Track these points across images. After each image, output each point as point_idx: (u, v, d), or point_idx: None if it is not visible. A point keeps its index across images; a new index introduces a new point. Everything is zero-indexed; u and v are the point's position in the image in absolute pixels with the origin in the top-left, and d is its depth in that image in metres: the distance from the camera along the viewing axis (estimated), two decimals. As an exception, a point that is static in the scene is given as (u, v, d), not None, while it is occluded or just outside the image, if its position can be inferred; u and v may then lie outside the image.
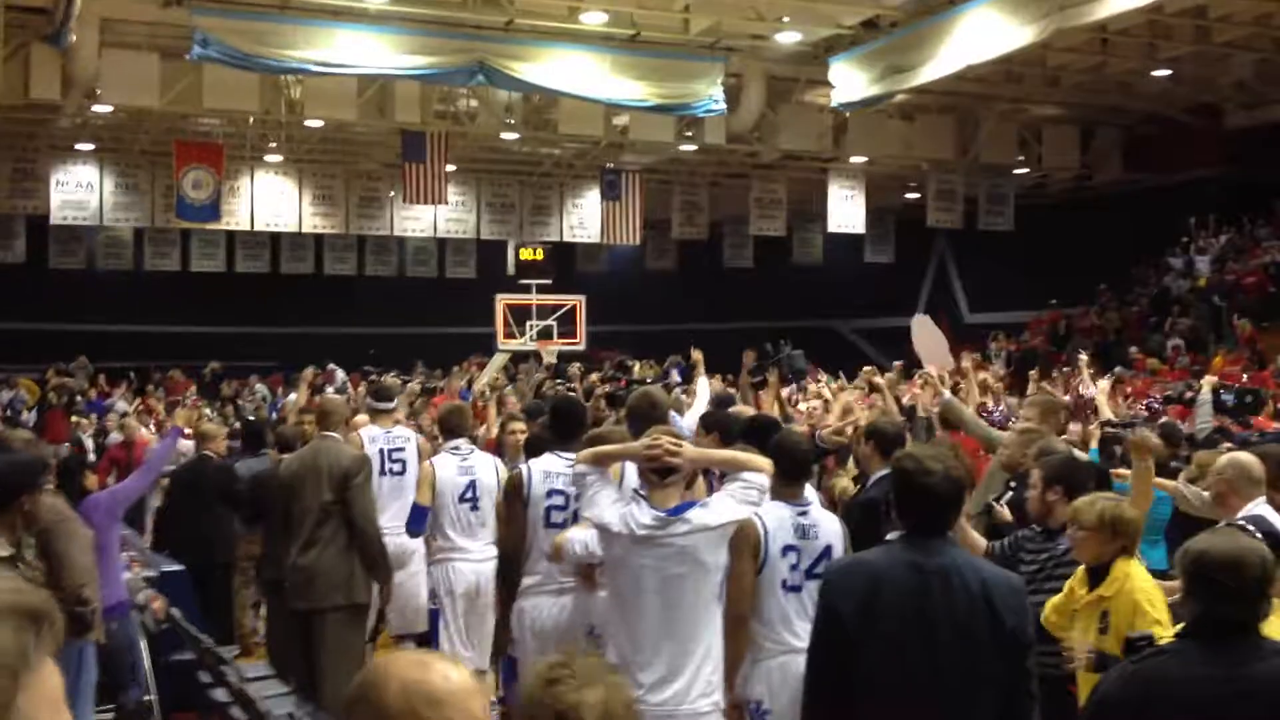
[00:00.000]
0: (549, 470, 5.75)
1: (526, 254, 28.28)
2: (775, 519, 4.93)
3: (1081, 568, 4.63)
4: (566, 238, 26.91)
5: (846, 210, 25.18)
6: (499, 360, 23.78)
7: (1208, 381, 9.40)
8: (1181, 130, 23.80)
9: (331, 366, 24.07)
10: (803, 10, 18.02)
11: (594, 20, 18.12)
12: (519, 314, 25.32)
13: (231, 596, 9.12)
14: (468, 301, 27.73)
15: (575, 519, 5.50)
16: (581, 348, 25.74)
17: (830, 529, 5.06)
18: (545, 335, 25.40)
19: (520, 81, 18.58)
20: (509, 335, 24.97)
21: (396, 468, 8.00)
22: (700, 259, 30.85)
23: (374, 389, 9.62)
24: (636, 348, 28.78)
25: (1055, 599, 4.73)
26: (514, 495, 5.89)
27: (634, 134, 22.11)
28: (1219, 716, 2.88)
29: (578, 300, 25.59)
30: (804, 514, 5.01)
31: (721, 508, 4.51)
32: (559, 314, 25.87)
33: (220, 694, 5.68)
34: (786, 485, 5.00)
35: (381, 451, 7.96)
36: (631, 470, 5.02)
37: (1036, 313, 27.13)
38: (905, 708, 3.46)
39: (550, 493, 5.72)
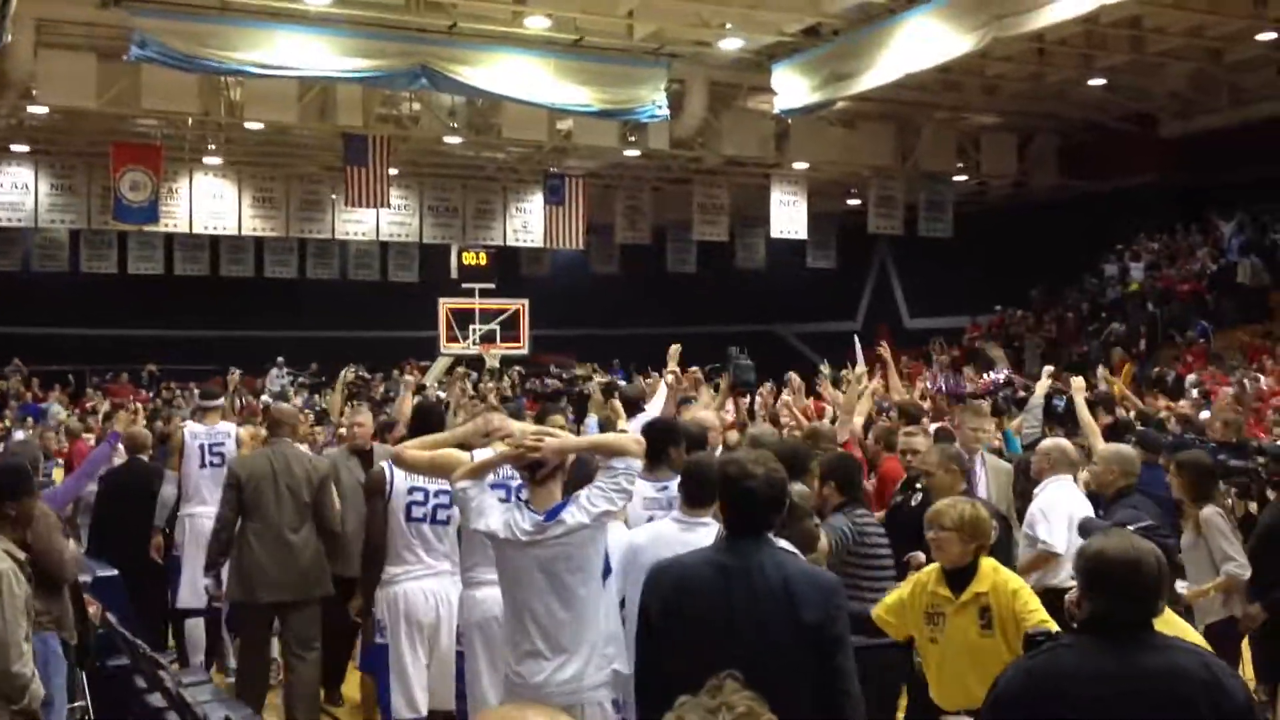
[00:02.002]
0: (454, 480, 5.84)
1: (470, 258, 28.28)
2: (652, 532, 4.95)
3: (934, 568, 4.73)
4: (510, 242, 26.87)
5: (789, 216, 25.35)
6: (442, 364, 23.72)
7: (1041, 386, 9.43)
8: (1117, 138, 24.20)
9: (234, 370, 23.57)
10: (745, 17, 18.12)
11: (537, 25, 18.12)
12: (462, 318, 25.31)
13: (166, 601, 9.03)
14: (411, 305, 27.65)
15: (434, 513, 6.14)
16: (525, 352, 25.78)
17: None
18: (488, 339, 25.39)
19: (463, 85, 18.53)
20: (452, 339, 24.95)
21: (216, 460, 8.63)
22: (644, 263, 30.93)
23: (200, 390, 10.57)
24: (580, 352, 28.83)
25: (889, 599, 4.95)
26: (376, 493, 6.23)
27: (577, 139, 22.12)
28: (1114, 710, 2.94)
29: (521, 304, 25.61)
30: (691, 530, 4.79)
31: (592, 503, 4.58)
32: (502, 318, 25.87)
33: (156, 699, 5.64)
34: (688, 504, 4.92)
35: (202, 446, 8.71)
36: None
37: (976, 318, 27.46)
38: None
39: (411, 489, 6.09)
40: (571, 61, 18.92)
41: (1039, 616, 4.39)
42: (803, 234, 26.01)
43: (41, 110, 19.89)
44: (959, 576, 4.63)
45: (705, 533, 4.68)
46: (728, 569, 3.66)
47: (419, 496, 6.10)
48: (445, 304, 24.98)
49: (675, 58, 19.82)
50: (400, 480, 6.05)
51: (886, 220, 25.98)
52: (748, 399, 9.93)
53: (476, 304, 25.05)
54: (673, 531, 4.82)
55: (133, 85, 18.51)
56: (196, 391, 12.89)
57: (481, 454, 5.09)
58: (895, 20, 17.31)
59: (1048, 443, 7.00)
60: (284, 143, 23.90)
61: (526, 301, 25.88)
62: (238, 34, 17.04)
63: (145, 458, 9.32)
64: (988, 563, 4.66)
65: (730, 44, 19.43)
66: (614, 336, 29.82)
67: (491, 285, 25.94)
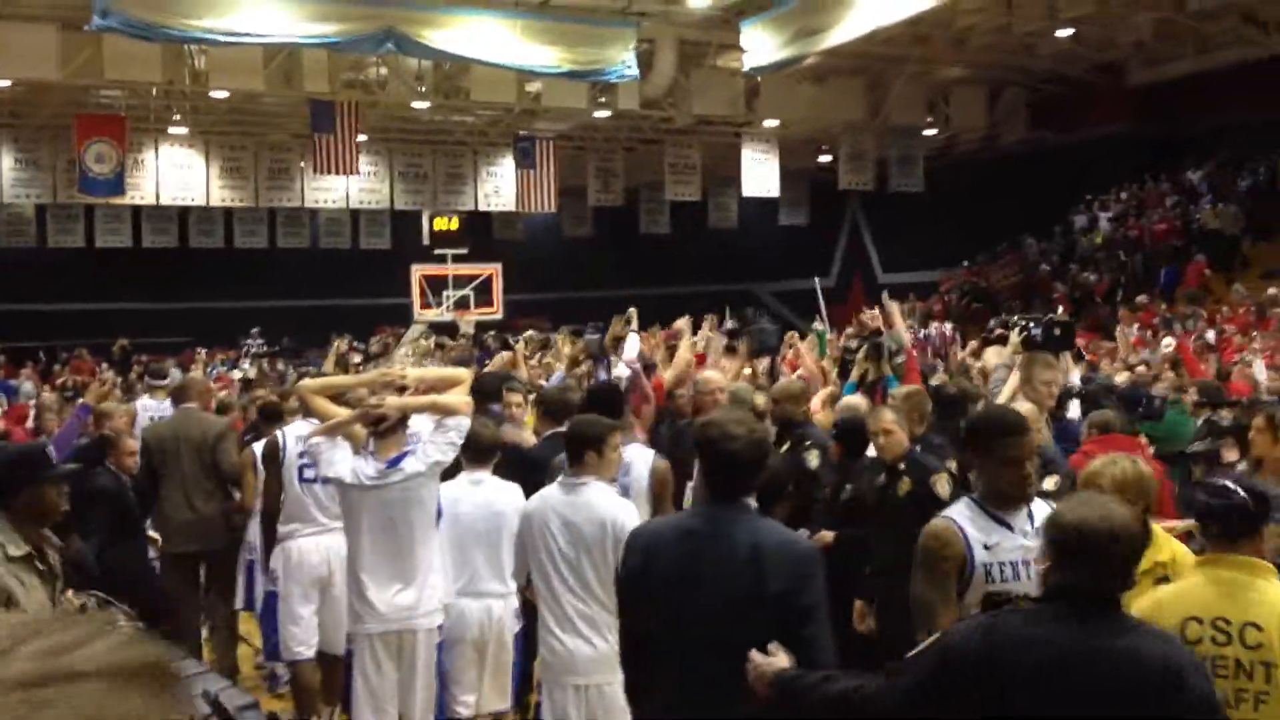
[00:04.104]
0: (299, 435, 6.42)
1: (441, 223, 28.12)
2: (539, 497, 5.10)
3: None
4: (482, 206, 26.75)
5: (760, 174, 25.33)
6: (415, 330, 23.64)
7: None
8: (1085, 89, 24.26)
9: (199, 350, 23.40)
10: (713, -26, 18.07)
11: (504, -14, 18.01)
12: (435, 284, 25.18)
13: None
14: (383, 272, 27.52)
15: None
16: (499, 317, 25.70)
17: (598, 512, 4.93)
18: (462, 305, 25.31)
19: (431, 49, 18.41)
20: (426, 306, 24.84)
21: None
22: (617, 225, 30.87)
23: (149, 368, 11.47)
24: (555, 315, 28.79)
25: None
26: (271, 458, 6.81)
27: (547, 101, 22.01)
28: (1059, 683, 2.79)
29: (494, 269, 25.50)
30: (573, 491, 4.96)
31: (428, 454, 5.35)
32: (476, 283, 25.77)
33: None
34: (569, 464, 5.06)
35: (152, 419, 9.62)
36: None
37: (949, 271, 27.57)
38: (681, 665, 3.54)
39: (302, 454, 6.44)
40: (539, 22, 18.80)
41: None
42: (775, 192, 26.01)
43: (3, 83, 19.64)
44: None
45: (587, 492, 4.91)
46: (696, 534, 3.60)
47: (309, 459, 6.26)
48: (418, 270, 24.85)
49: (643, 16, 19.72)
50: (293, 446, 6.58)
51: (858, 176, 26.00)
52: (768, 361, 9.92)
53: (449, 270, 24.92)
54: (556, 494, 5.02)
55: (95, 56, 18.29)
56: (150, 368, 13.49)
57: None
58: (863, -26, 17.28)
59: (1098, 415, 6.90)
60: (251, 111, 23.68)
61: (499, 266, 25.77)
62: (201, 1, 16.85)
63: (112, 431, 9.31)
64: (1159, 529, 4.21)
65: (698, 2, 19.35)
66: (589, 299, 29.71)
67: (464, 251, 25.80)
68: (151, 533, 7.82)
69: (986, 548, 3.77)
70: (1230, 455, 6.63)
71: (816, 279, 12.28)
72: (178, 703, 0.70)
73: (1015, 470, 3.84)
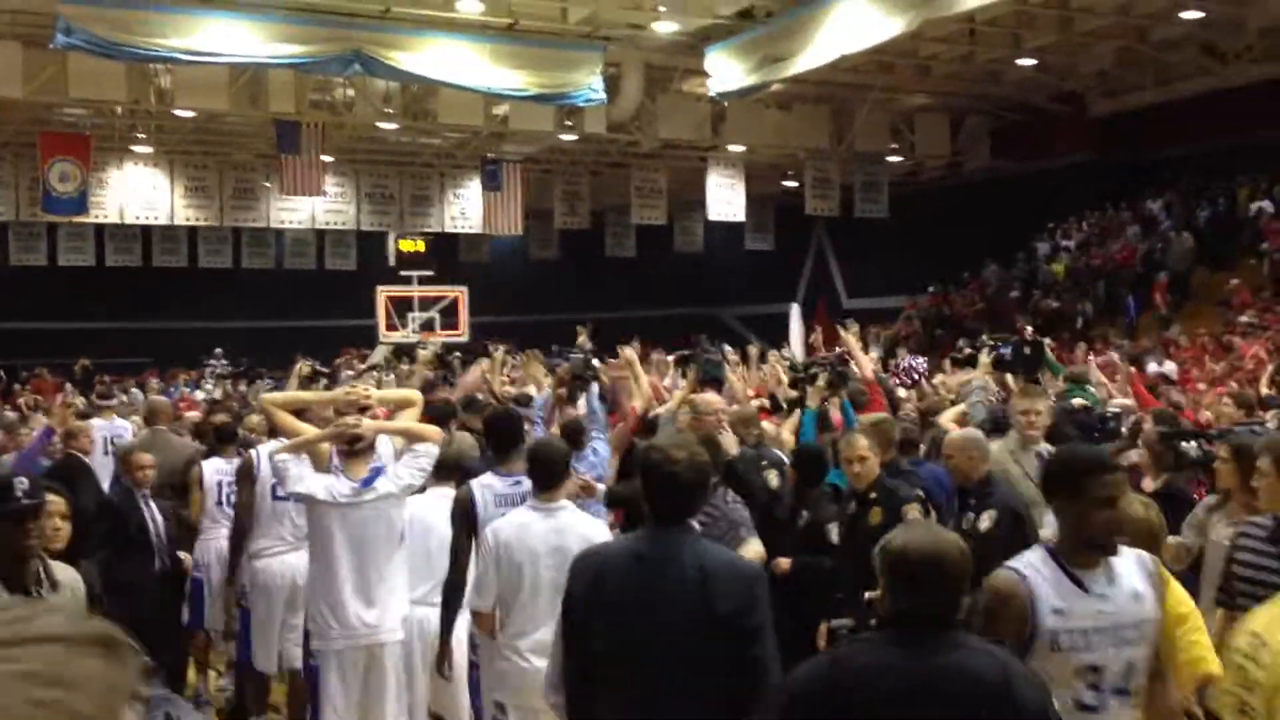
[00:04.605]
0: (270, 453, 6.50)
1: (407, 245, 28.12)
2: (516, 523, 5.04)
3: None
4: (448, 228, 26.76)
5: (726, 198, 25.44)
6: (380, 352, 23.58)
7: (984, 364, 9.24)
8: (1047, 118, 24.54)
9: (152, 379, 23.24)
10: (679, 1, 18.16)
11: (471, 9, 18.04)
12: (401, 306, 25.16)
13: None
14: (348, 294, 27.46)
15: None
16: (465, 339, 25.66)
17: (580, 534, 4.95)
18: (428, 327, 25.27)
19: (398, 71, 18.41)
20: (391, 327, 24.79)
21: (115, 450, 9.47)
22: (583, 248, 30.92)
23: (97, 391, 12.13)
24: (521, 338, 28.76)
25: None
26: (245, 476, 6.97)
27: (514, 124, 22.05)
28: (904, 706, 2.86)
29: (460, 291, 25.50)
30: (552, 516, 4.99)
31: (400, 476, 5.56)
32: (441, 305, 25.76)
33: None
34: (541, 490, 5.07)
35: (104, 438, 9.98)
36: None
37: (913, 297, 27.73)
38: (628, 690, 3.56)
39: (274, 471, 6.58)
40: (506, 46, 18.86)
41: (1206, 666, 3.69)
42: (740, 216, 26.13)
43: (-34, 100, 19.53)
44: None
45: (565, 516, 4.94)
46: (645, 558, 3.62)
47: (277, 476, 6.37)
48: (383, 292, 24.82)
49: (610, 41, 19.82)
50: (265, 465, 6.55)
51: (823, 202, 26.16)
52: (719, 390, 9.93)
53: (415, 291, 24.91)
54: (535, 520, 4.95)
55: (60, 74, 18.22)
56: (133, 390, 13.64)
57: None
58: (828, 2, 17.42)
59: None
60: (216, 130, 23.61)
61: (465, 289, 25.77)
62: (166, 20, 16.82)
63: (79, 451, 9.23)
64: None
65: (665, 27, 19.47)
66: (554, 321, 29.75)
67: (430, 273, 25.80)
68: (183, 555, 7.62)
69: (1057, 612, 3.35)
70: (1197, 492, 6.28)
71: (796, 306, 12.33)
72: (129, 668, 0.77)
73: (1107, 513, 3.39)
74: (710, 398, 7.79)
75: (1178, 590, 3.77)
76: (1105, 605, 3.38)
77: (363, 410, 5.73)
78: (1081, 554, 3.41)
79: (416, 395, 6.27)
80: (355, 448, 5.58)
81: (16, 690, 0.68)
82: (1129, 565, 3.45)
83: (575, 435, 7.25)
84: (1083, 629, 3.36)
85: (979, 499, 5.74)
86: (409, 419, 5.92)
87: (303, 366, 14.47)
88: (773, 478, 7.03)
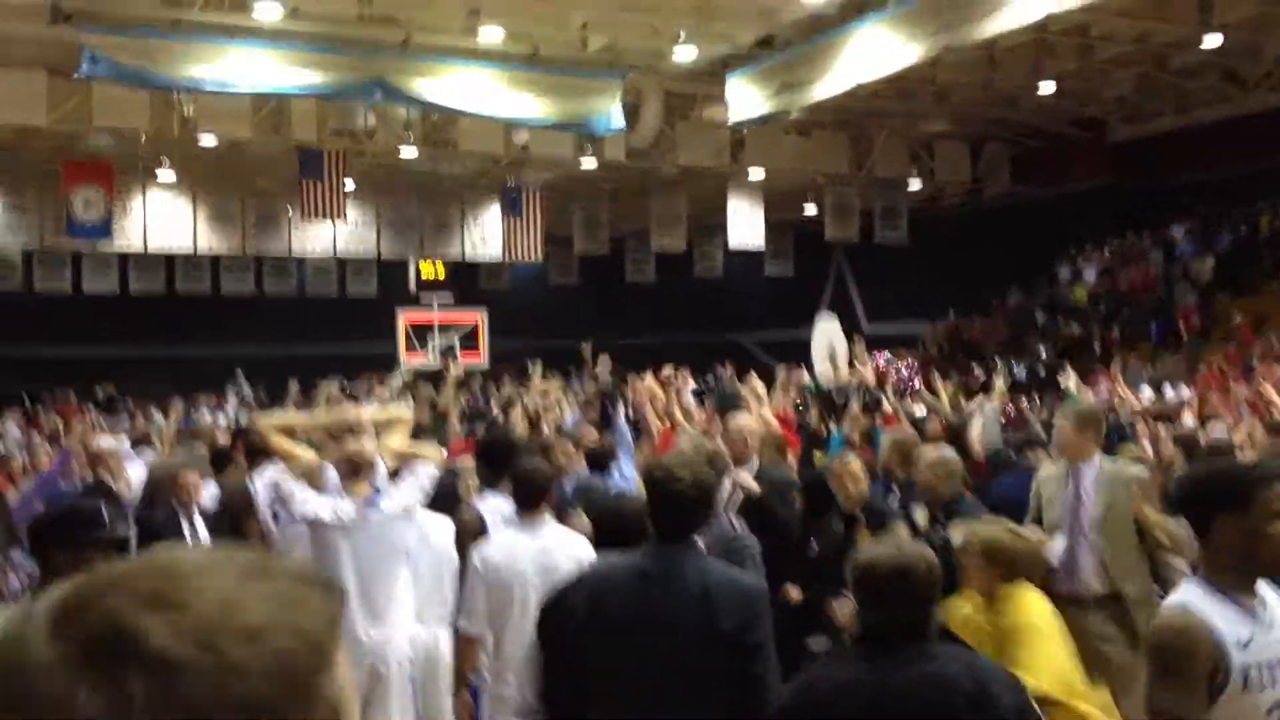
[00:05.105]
0: (269, 481, 6.64)
1: (428, 271, 28.20)
2: (503, 545, 5.21)
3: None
4: (468, 255, 26.83)
5: (746, 225, 25.46)
6: (399, 378, 23.62)
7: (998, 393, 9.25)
8: (1067, 144, 24.52)
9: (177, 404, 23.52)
10: (699, 28, 18.23)
11: (491, 37, 18.13)
12: (421, 331, 25.21)
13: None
14: (369, 320, 27.52)
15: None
16: (485, 364, 25.71)
17: (568, 552, 5.07)
18: (448, 352, 25.32)
19: (419, 99, 18.52)
20: (411, 351, 24.85)
21: None
22: (602, 274, 30.95)
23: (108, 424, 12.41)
24: (542, 363, 28.78)
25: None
26: (247, 506, 6.96)
27: (534, 150, 22.14)
28: (875, 718, 2.88)
29: (479, 316, 25.56)
30: (538, 535, 5.17)
31: (401, 496, 5.74)
32: (462, 331, 25.81)
33: None
34: (524, 510, 5.26)
35: None
36: None
37: (933, 323, 27.68)
38: (628, 708, 3.57)
39: (272, 501, 6.65)
40: (526, 73, 18.94)
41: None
42: (760, 243, 26.14)
43: (-9, 129, 19.72)
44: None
45: (550, 534, 5.13)
46: (648, 575, 3.64)
47: (278, 500, 6.52)
48: (404, 315, 24.90)
49: (631, 68, 19.89)
50: (262, 493, 6.71)
51: (842, 227, 26.17)
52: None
53: (435, 316, 24.97)
54: (522, 540, 5.13)
55: (84, 102, 18.38)
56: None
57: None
58: (846, 30, 17.44)
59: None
60: (239, 159, 23.73)
61: (485, 312, 25.82)
62: (190, 49, 16.94)
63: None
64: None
65: (684, 54, 19.52)
66: (574, 347, 29.81)
67: (450, 297, 25.87)
68: None
69: (1242, 646, 2.90)
70: None
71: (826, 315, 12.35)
72: (340, 604, 0.89)
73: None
74: (743, 421, 7.79)
75: None
76: (1276, 634, 2.97)
77: (352, 430, 5.97)
78: (1243, 578, 2.98)
79: (406, 413, 6.50)
80: (359, 475, 5.75)
81: (264, 602, 0.82)
82: (1264, 589, 3.05)
83: (601, 458, 7.29)
84: (1267, 662, 2.93)
85: (948, 514, 5.86)
86: (399, 437, 6.14)
87: (330, 389, 14.63)
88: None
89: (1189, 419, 11.37)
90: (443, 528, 5.98)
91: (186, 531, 7.11)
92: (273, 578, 0.86)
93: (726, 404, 9.57)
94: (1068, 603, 5.29)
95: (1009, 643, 4.06)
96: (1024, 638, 4.08)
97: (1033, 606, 4.25)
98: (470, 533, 5.89)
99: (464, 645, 5.28)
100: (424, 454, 5.93)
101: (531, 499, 5.20)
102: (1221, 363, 18.93)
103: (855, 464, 6.28)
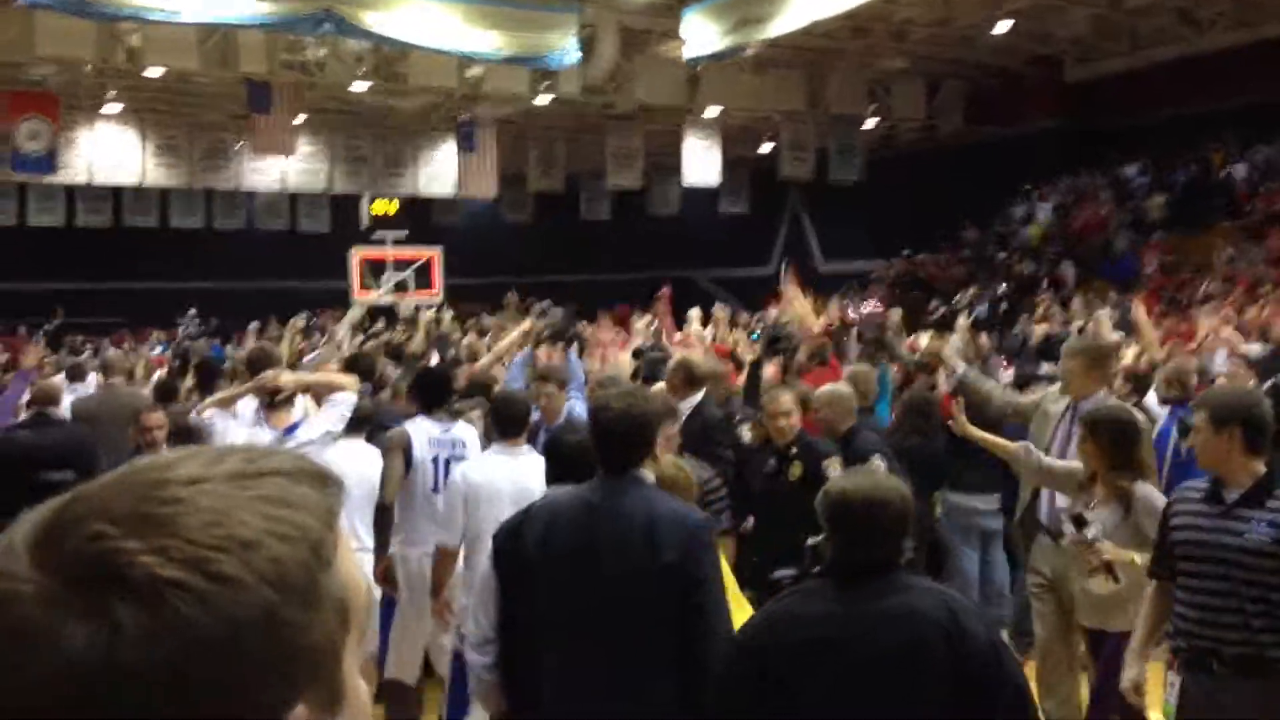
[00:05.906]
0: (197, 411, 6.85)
1: (380, 207, 27.93)
2: (484, 466, 5.51)
3: None
4: (422, 191, 26.59)
5: (702, 162, 25.37)
6: (355, 313, 23.45)
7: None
8: (1022, 83, 24.55)
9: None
10: (654, -39, 18.07)
11: (444, -31, 17.88)
12: (375, 267, 24.99)
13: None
14: (321, 255, 27.26)
15: None
16: (439, 300, 25.57)
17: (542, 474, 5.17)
18: (401, 288, 25.15)
19: (370, 32, 18.25)
20: (364, 288, 24.65)
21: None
22: (557, 211, 30.78)
23: (69, 366, 12.03)
24: (495, 300, 28.67)
25: None
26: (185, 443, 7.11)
27: (488, 85, 21.89)
28: (850, 650, 2.87)
29: (434, 253, 25.36)
30: (515, 459, 5.44)
31: (318, 424, 5.85)
32: (416, 267, 25.62)
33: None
34: (505, 437, 5.55)
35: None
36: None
37: (887, 261, 27.75)
38: (573, 638, 3.63)
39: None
40: (480, 6, 18.69)
41: None
42: (716, 180, 26.06)
43: (-70, 58, 19.25)
44: None
45: (526, 460, 5.33)
46: (595, 507, 3.65)
47: (205, 434, 6.65)
48: (357, 252, 24.66)
49: (586, 2, 19.67)
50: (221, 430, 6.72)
51: (798, 165, 26.12)
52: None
53: (389, 253, 24.74)
54: (502, 463, 5.41)
55: (26, 31, 17.95)
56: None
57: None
58: (804, -35, 17.35)
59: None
60: (186, 90, 23.31)
61: (440, 250, 25.63)
62: (135, -22, 16.59)
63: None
64: None
65: (640, -11, 19.36)
66: (528, 285, 29.70)
67: (404, 234, 25.64)
68: None
69: None
70: None
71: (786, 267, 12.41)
72: (337, 496, 0.87)
73: None
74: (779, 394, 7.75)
75: None
76: None
77: (275, 394, 6.04)
78: None
79: (346, 379, 6.37)
80: (276, 399, 5.98)
81: (254, 508, 0.80)
82: None
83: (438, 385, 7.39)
84: None
85: (846, 448, 6.15)
86: (345, 376, 6.38)
87: (297, 320, 14.68)
88: (745, 431, 7.06)
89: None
90: (364, 454, 6.08)
91: None
92: (262, 479, 0.83)
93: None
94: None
95: None
96: None
97: None
98: (397, 444, 6.13)
99: (442, 557, 5.45)
100: (343, 383, 6.06)
101: (511, 426, 5.48)
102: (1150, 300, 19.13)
103: (785, 400, 6.34)
